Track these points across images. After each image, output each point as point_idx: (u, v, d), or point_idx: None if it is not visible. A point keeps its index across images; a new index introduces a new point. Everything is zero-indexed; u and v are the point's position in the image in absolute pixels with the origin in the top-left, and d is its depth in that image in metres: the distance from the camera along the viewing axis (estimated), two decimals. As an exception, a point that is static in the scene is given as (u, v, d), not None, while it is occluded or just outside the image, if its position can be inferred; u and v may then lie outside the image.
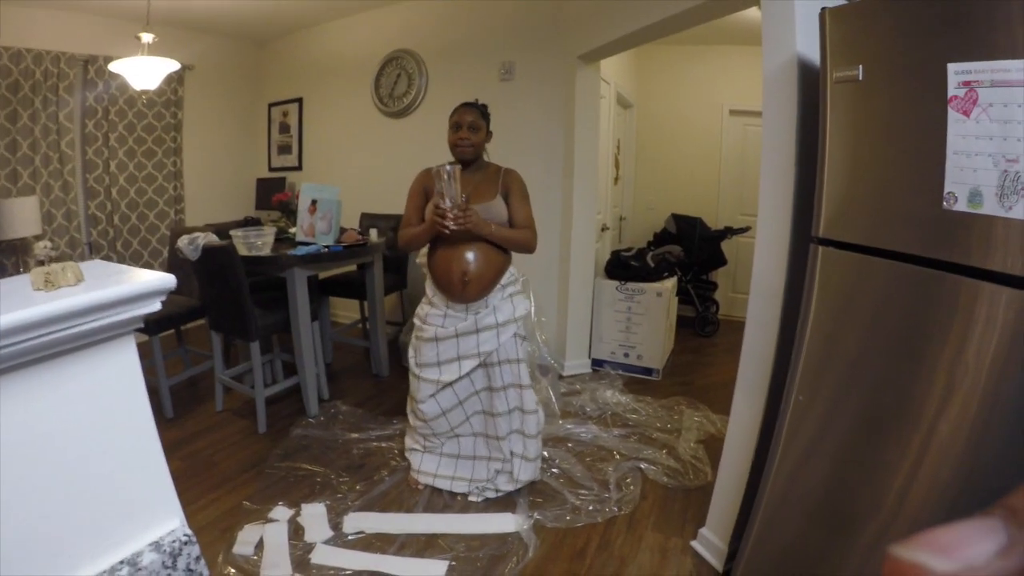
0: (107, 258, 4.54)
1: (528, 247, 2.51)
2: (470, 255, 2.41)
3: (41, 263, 3.81)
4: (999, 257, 1.16)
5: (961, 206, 1.21)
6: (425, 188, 2.53)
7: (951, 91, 1.21)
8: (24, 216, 3.79)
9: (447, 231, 2.30)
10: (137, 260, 4.81)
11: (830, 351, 1.60)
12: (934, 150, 1.25)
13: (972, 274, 1.21)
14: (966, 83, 1.18)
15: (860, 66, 1.43)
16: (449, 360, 2.54)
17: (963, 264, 1.23)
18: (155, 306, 0.98)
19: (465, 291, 2.43)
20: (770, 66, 1.89)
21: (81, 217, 4.46)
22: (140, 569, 0.99)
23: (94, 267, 1.02)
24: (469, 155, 2.49)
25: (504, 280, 2.55)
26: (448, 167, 2.27)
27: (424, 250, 2.59)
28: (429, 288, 2.59)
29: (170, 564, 1.03)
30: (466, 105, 2.52)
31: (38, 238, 3.97)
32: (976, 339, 1.21)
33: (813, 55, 1.69)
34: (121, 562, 0.99)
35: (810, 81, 1.75)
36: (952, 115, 1.21)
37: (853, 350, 1.52)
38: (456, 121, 2.48)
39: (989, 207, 1.16)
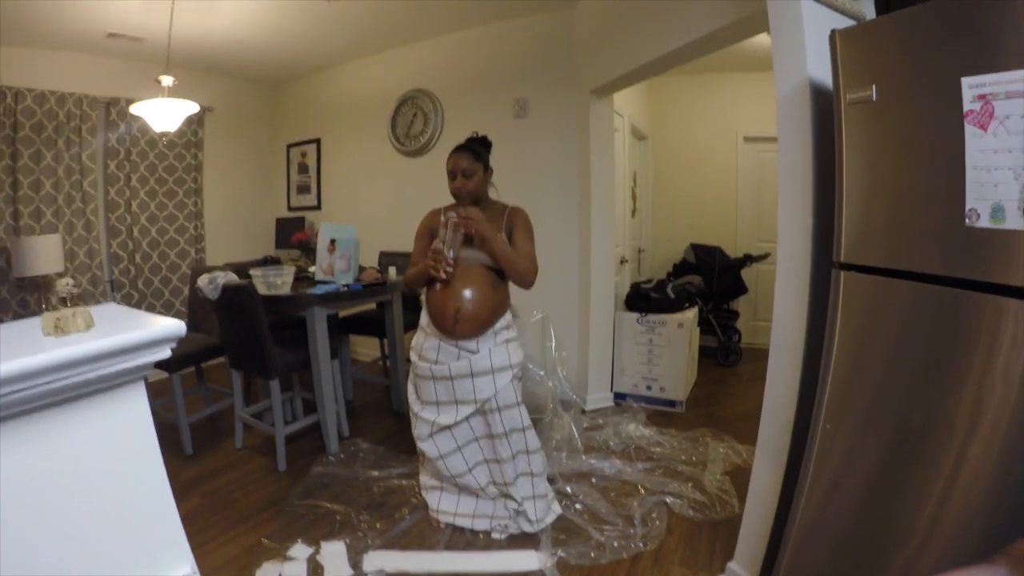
0: (128, 296, 4.62)
1: (526, 275, 2.46)
2: (467, 292, 2.40)
3: (63, 299, 3.87)
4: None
5: (984, 222, 1.18)
6: (431, 229, 2.54)
7: (966, 105, 1.19)
8: (47, 253, 3.86)
9: (438, 276, 2.35)
10: (158, 298, 4.88)
11: (854, 377, 1.56)
12: (953, 166, 1.23)
13: (997, 291, 1.18)
14: (981, 96, 1.16)
15: (873, 86, 1.42)
16: (446, 402, 2.52)
17: (988, 282, 1.20)
18: (165, 353, 0.98)
19: (456, 328, 2.42)
20: (782, 91, 1.89)
21: (103, 255, 4.54)
22: None
23: (106, 311, 1.02)
24: (468, 203, 2.49)
25: (498, 325, 2.51)
26: (454, 217, 2.31)
27: None
28: (423, 318, 2.58)
29: None
30: (458, 150, 2.51)
31: (60, 275, 4.04)
32: (1003, 357, 1.18)
33: (825, 78, 1.68)
34: None
35: (824, 104, 1.74)
36: (969, 130, 1.19)
37: (878, 375, 1.49)
38: (451, 170, 2.50)
39: (1012, 222, 1.14)
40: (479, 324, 2.44)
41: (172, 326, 0.97)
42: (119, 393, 0.97)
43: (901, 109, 1.38)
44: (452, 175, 2.49)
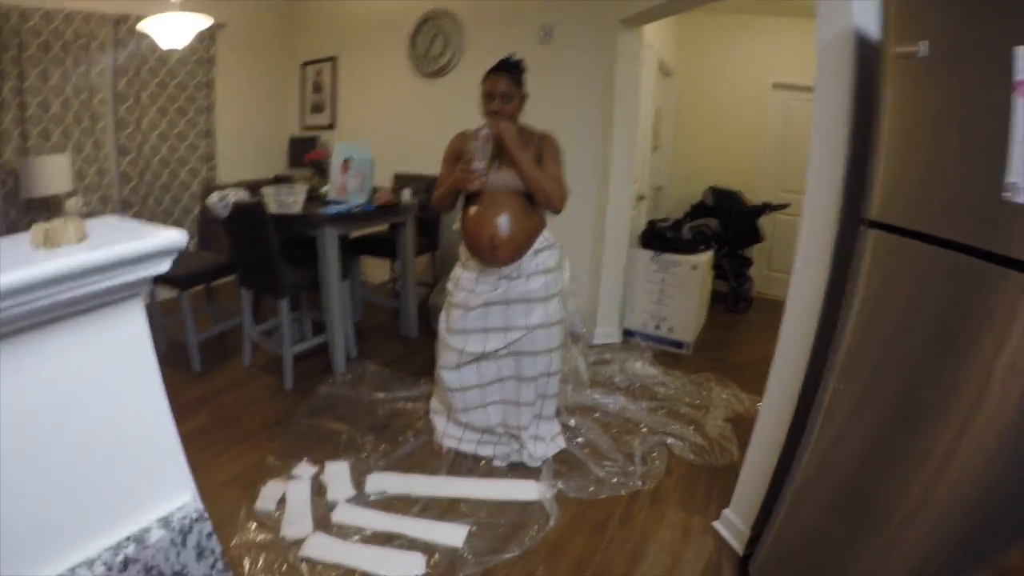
0: (138, 214, 4.57)
1: (554, 198, 2.40)
2: (501, 219, 2.36)
3: (72, 218, 3.81)
4: None
5: (1023, 198, 1.12)
6: (460, 152, 2.47)
7: (1018, 76, 1.11)
8: (56, 173, 3.80)
9: (470, 187, 2.31)
10: (168, 217, 4.84)
11: (868, 337, 1.53)
12: (998, 137, 1.15)
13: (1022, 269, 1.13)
14: None
15: (923, 42, 1.32)
16: (476, 330, 2.50)
17: (1018, 259, 1.14)
18: (164, 267, 0.91)
19: (495, 255, 2.39)
20: (824, 38, 1.78)
21: (113, 174, 4.48)
22: (147, 547, 0.95)
23: (103, 223, 0.94)
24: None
25: (537, 245, 2.48)
26: (485, 131, 2.24)
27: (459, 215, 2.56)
28: (463, 251, 2.56)
29: (179, 542, 0.99)
30: (497, 71, 2.40)
31: (70, 195, 4.00)
32: (1019, 336, 1.14)
33: (870, 28, 1.60)
34: (127, 538, 0.95)
35: (866, 56, 1.65)
36: (1019, 102, 1.12)
37: (890, 338, 1.46)
38: (488, 91, 2.39)
39: None
40: (516, 250, 2.42)
41: (172, 237, 0.89)
42: (116, 310, 0.91)
43: (950, 69, 1.29)
44: (490, 96, 2.39)
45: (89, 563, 0.90)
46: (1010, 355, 1.16)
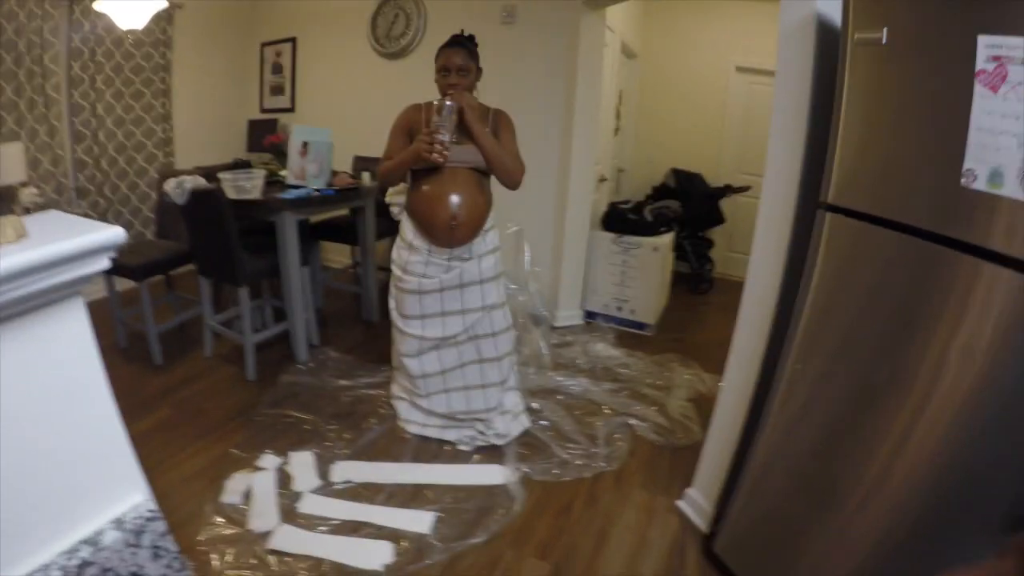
0: (94, 203, 4.43)
1: (513, 172, 2.41)
2: (457, 198, 2.35)
3: (27, 210, 3.70)
4: (1015, 242, 1.12)
5: (980, 185, 1.16)
6: (411, 126, 2.45)
7: (979, 64, 1.15)
8: (9, 163, 3.60)
9: (435, 159, 2.23)
10: (125, 204, 4.70)
11: (827, 319, 1.57)
12: (956, 124, 1.19)
13: (979, 254, 1.18)
14: (996, 57, 1.12)
15: (884, 28, 1.35)
16: (433, 315, 2.50)
17: (973, 244, 1.19)
18: (102, 264, 0.90)
19: (452, 235, 2.38)
20: (787, 23, 1.80)
21: (68, 162, 4.32)
22: (102, 549, 0.94)
23: (45, 220, 0.94)
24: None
25: (486, 224, 2.49)
26: (450, 103, 2.20)
27: (394, 190, 2.52)
28: (408, 231, 2.50)
29: (134, 542, 0.98)
30: (452, 45, 2.39)
31: (24, 185, 3.85)
32: (976, 321, 1.19)
33: (833, 14, 1.62)
34: (81, 541, 0.94)
35: (828, 41, 1.66)
36: (979, 89, 1.15)
37: (849, 320, 1.50)
38: (443, 65, 2.37)
39: (1009, 189, 1.12)
40: (473, 229, 2.41)
41: (109, 234, 0.89)
42: (55, 310, 0.90)
43: (910, 56, 1.33)
44: (445, 71, 2.37)
45: (44, 569, 0.89)
46: (965, 337, 1.20)
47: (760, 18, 4.89)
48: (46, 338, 0.89)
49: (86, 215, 4.33)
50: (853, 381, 1.48)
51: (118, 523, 0.98)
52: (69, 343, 0.93)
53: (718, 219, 5.20)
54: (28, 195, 3.82)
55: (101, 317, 0.97)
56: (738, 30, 5.25)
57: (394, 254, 2.57)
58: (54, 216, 0.98)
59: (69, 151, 4.32)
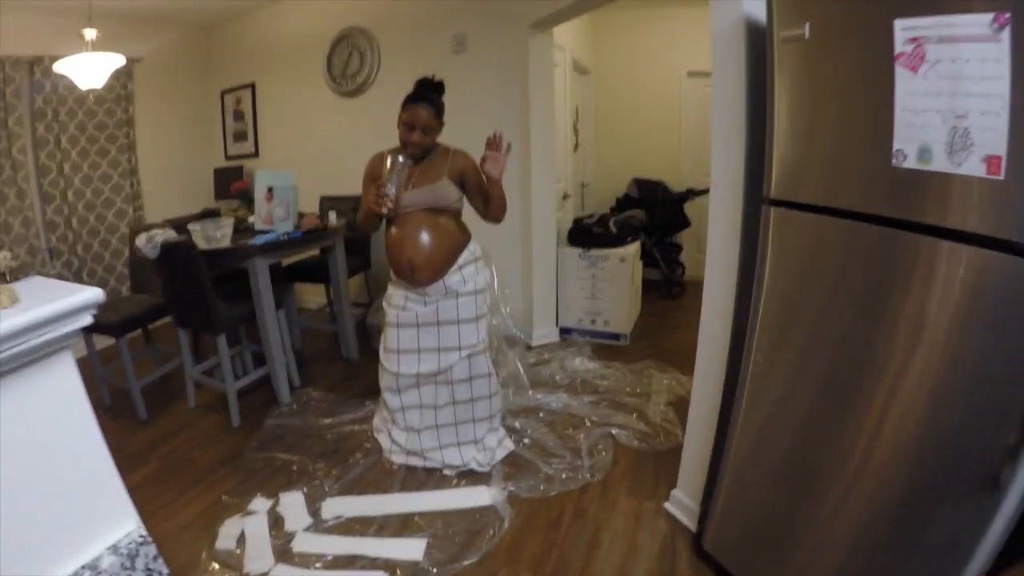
0: (68, 263, 4.45)
1: (503, 211, 2.50)
2: (419, 238, 2.41)
3: (2, 275, 3.71)
4: (951, 214, 1.18)
5: (911, 163, 1.22)
6: (375, 175, 2.49)
7: (898, 48, 1.21)
8: None
9: (380, 211, 2.27)
10: (99, 262, 4.71)
11: (792, 312, 1.60)
12: (883, 108, 1.25)
13: (925, 231, 1.22)
14: (913, 39, 1.18)
15: (806, 24, 1.42)
16: (409, 351, 2.56)
17: (915, 221, 1.24)
18: (86, 320, 1.01)
19: (414, 276, 2.45)
20: (718, 27, 1.89)
21: (39, 223, 4.34)
22: (101, 572, 1.02)
23: (30, 285, 1.04)
24: (419, 156, 2.44)
25: (461, 260, 2.52)
26: (402, 162, 2.24)
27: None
28: (392, 270, 2.60)
29: (129, 565, 1.06)
30: (418, 102, 2.38)
31: (-2, 250, 3.87)
32: (935, 297, 1.23)
33: (761, 15, 1.67)
34: (82, 567, 1.02)
35: (759, 42, 1.73)
36: (900, 72, 1.21)
37: (815, 310, 1.53)
38: (409, 120, 2.37)
39: (939, 164, 1.17)
40: (435, 270, 2.46)
41: (88, 295, 1.00)
42: (47, 363, 1.00)
43: (833, 48, 1.40)
44: (410, 127, 2.37)
45: (51, 594, 0.95)
46: (913, 313, 1.26)
47: (705, 21, 4.99)
48: (41, 387, 0.99)
49: (60, 275, 4.34)
50: (825, 370, 1.50)
51: (114, 549, 1.06)
52: (61, 390, 1.03)
53: (683, 223, 5.29)
54: (3, 259, 3.84)
55: (83, 376, 1.04)
56: (686, 36, 5.35)
57: (387, 291, 2.66)
58: (37, 281, 1.09)
59: (39, 212, 4.34)
